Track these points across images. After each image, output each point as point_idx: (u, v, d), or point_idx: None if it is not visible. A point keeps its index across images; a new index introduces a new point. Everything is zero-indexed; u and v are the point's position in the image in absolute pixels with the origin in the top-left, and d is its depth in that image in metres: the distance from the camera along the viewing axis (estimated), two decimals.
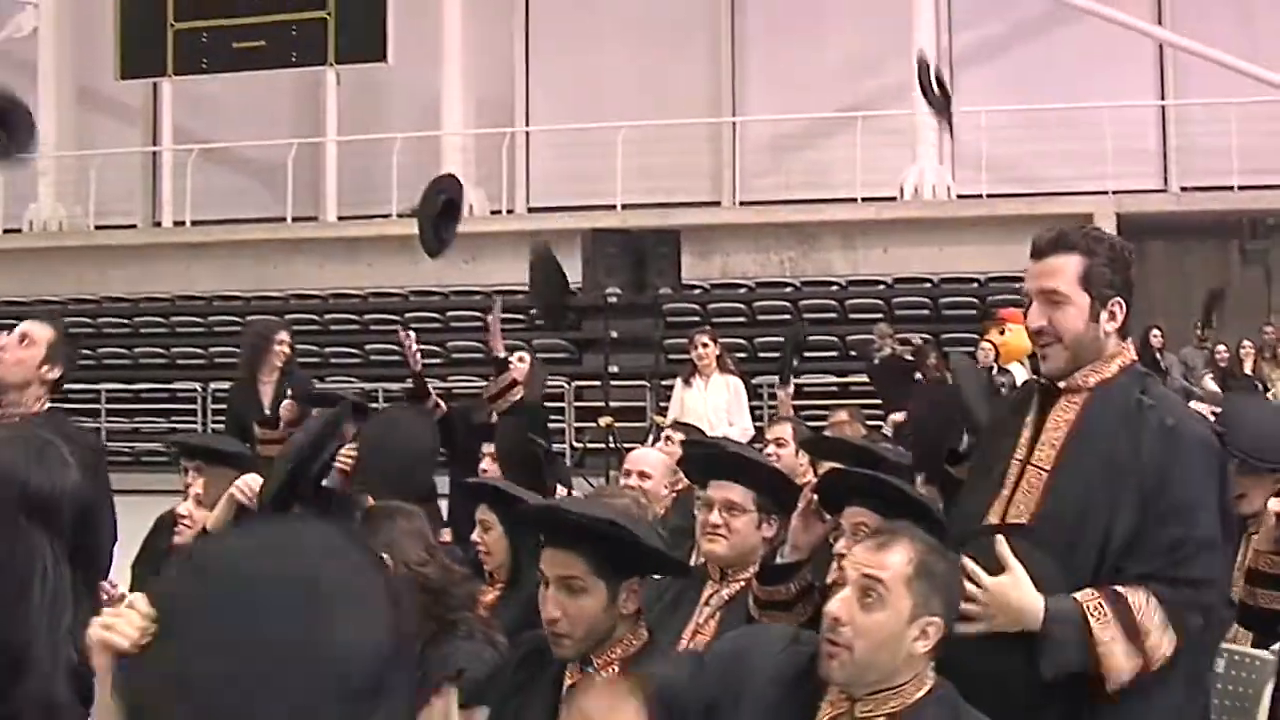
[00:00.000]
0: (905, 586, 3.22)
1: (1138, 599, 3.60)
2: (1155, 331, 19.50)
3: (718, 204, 24.93)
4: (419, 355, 8.82)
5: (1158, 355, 18.89)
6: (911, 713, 3.22)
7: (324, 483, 5.08)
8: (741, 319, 21.66)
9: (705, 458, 5.39)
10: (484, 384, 9.87)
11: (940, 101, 10.94)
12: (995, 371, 16.22)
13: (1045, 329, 3.91)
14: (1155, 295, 22.62)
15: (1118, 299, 3.89)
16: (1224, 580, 3.83)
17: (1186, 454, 3.75)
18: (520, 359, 9.78)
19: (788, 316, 21.67)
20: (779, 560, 4.36)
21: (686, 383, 12.76)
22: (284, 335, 10.17)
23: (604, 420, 16.62)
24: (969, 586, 3.50)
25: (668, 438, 7.84)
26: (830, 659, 3.22)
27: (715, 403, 12.43)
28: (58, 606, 2.47)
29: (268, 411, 9.33)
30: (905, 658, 3.21)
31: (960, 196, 22.91)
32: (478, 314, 22.32)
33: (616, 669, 3.65)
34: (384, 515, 4.56)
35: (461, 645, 4.31)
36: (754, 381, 17.71)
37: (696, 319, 20.41)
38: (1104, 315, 3.88)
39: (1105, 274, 3.89)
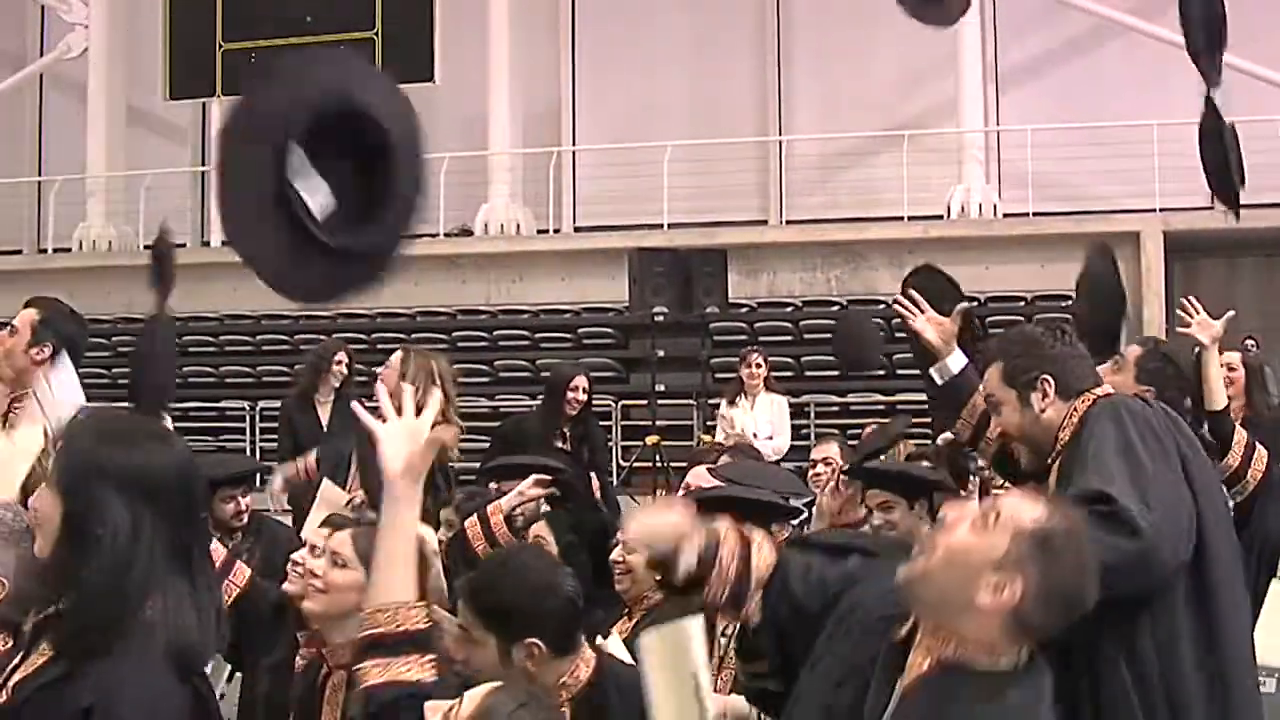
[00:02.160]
0: (1013, 534, 2.98)
1: None
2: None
3: (764, 223, 24.90)
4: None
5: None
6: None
7: None
8: (788, 338, 21.60)
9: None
10: (531, 402, 9.91)
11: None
12: None
13: (1001, 433, 4.59)
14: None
15: (1042, 375, 4.34)
16: (1170, 521, 3.97)
17: (1086, 437, 4.15)
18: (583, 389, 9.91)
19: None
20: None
21: (731, 402, 12.81)
22: (342, 356, 10.66)
23: (651, 439, 16.66)
24: None
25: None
26: (917, 553, 3.09)
27: (764, 421, 12.48)
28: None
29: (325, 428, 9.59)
30: (968, 600, 2.97)
31: (1007, 215, 22.83)
32: (524, 333, 22.40)
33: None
34: None
35: None
36: (800, 400, 17.75)
37: (743, 338, 20.38)
38: (1034, 396, 4.34)
39: (1020, 364, 4.39)
